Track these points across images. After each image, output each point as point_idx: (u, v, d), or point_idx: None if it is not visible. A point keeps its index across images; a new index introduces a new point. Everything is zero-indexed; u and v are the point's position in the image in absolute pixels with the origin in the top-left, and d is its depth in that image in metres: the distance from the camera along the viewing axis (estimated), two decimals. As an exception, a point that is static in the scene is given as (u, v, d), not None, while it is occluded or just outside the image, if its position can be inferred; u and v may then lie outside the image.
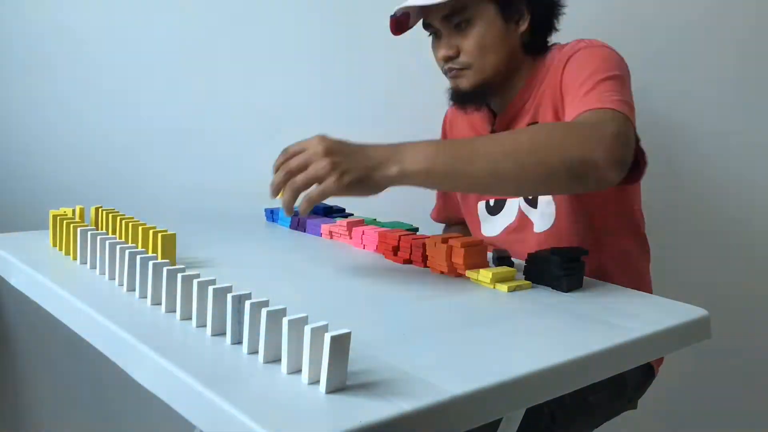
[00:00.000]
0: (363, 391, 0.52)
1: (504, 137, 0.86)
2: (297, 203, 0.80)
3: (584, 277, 0.89)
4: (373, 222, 1.17)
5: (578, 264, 0.87)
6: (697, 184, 1.60)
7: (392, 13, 1.11)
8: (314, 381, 0.52)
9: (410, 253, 0.97)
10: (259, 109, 1.52)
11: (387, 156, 0.81)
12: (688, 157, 1.58)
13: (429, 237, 1.00)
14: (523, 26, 1.12)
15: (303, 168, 0.78)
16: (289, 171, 0.79)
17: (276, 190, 0.80)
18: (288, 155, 0.80)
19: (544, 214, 1.13)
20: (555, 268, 0.86)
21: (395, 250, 0.98)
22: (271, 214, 1.24)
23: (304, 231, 1.16)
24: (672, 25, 1.56)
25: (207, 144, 1.51)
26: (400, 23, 1.13)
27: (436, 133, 1.40)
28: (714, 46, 1.57)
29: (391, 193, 1.51)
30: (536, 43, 1.14)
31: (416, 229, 1.12)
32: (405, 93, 1.57)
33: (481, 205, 1.25)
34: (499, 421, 0.86)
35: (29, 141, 1.40)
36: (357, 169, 0.78)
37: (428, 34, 1.14)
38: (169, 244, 0.82)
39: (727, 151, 1.51)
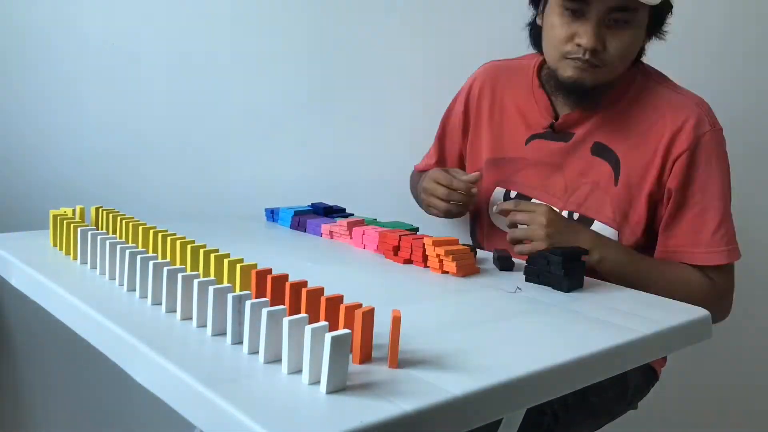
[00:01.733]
0: (363, 391, 0.52)
1: (670, 276, 1.05)
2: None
3: (585, 277, 0.89)
4: (373, 222, 1.17)
5: (579, 264, 0.87)
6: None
7: None
8: (315, 381, 0.52)
9: (411, 253, 0.97)
10: (259, 110, 1.52)
11: (592, 245, 1.00)
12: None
13: (429, 237, 1.00)
14: (648, 40, 1.09)
15: (525, 223, 1.00)
16: (515, 218, 1.01)
17: (503, 212, 1.04)
18: (518, 208, 1.01)
19: None
20: (556, 268, 0.86)
21: (396, 250, 0.98)
22: (272, 214, 1.24)
23: (305, 231, 1.16)
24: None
25: (208, 144, 1.51)
26: None
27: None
28: (715, 45, 1.57)
29: (391, 193, 1.51)
30: (640, 56, 1.11)
31: (416, 229, 1.12)
32: (404, 93, 1.57)
33: (499, 192, 1.19)
34: (499, 421, 0.86)
35: (30, 141, 1.40)
36: (564, 245, 0.95)
37: (565, 7, 1.02)
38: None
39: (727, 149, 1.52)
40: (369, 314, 0.57)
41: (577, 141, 1.12)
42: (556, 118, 1.14)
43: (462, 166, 1.31)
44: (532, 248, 0.97)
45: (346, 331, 0.51)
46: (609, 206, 1.08)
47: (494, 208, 1.06)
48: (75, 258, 0.87)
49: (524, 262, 0.91)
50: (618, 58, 1.03)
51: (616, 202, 1.08)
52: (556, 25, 1.03)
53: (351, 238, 1.07)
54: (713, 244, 1.05)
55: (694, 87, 1.13)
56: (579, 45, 1.01)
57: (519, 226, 1.01)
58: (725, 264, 1.06)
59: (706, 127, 1.05)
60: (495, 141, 1.21)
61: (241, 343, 0.60)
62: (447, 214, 1.14)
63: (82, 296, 0.72)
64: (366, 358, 0.58)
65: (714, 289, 1.06)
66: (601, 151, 1.10)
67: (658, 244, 1.09)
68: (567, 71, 1.04)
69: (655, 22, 1.06)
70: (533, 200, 1.15)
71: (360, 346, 0.57)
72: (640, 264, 1.04)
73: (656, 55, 1.15)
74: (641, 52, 1.11)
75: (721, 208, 1.05)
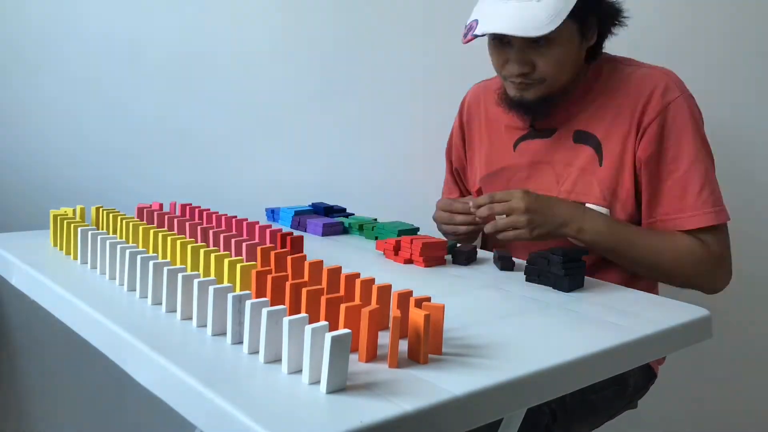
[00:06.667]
0: (363, 391, 0.52)
1: (656, 242, 1.05)
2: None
3: (585, 277, 0.89)
4: (373, 222, 1.17)
5: (579, 264, 0.87)
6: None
7: (477, 33, 1.02)
8: (315, 381, 0.52)
9: (411, 253, 0.97)
10: (260, 109, 1.52)
11: (570, 218, 1.02)
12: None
13: (427, 237, 1.00)
14: (593, 40, 1.10)
15: (504, 213, 1.00)
16: (493, 211, 1.01)
17: (482, 219, 1.03)
18: (494, 200, 1.01)
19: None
20: (556, 268, 0.86)
21: (396, 249, 0.98)
22: (272, 214, 1.24)
23: (305, 231, 1.16)
24: (677, 23, 1.56)
25: (208, 144, 1.50)
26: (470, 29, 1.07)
27: (437, 134, 1.39)
28: (717, 44, 1.57)
29: (391, 193, 1.51)
30: (597, 52, 1.13)
31: (417, 229, 1.12)
32: (405, 94, 1.57)
33: None
34: (499, 421, 0.86)
35: (30, 141, 1.40)
36: (545, 226, 1.00)
37: (492, 38, 1.08)
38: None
39: (727, 150, 1.51)
40: (375, 312, 0.57)
41: (559, 134, 1.15)
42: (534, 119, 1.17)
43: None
44: (516, 235, 0.99)
45: (346, 331, 0.51)
46: (597, 187, 1.10)
47: (471, 207, 1.04)
48: (75, 258, 0.87)
49: (525, 262, 0.91)
50: (551, 72, 1.06)
51: (603, 182, 1.10)
52: (491, 53, 1.10)
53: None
54: (698, 207, 1.04)
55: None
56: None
57: (497, 217, 1.02)
58: (715, 226, 1.04)
59: (674, 94, 1.06)
60: (488, 156, 1.25)
61: (241, 343, 0.60)
62: (460, 238, 1.15)
63: (82, 296, 0.72)
64: (372, 356, 0.58)
65: (707, 253, 1.04)
66: (582, 137, 1.12)
67: (643, 217, 1.10)
68: (510, 90, 1.11)
69: (582, 27, 1.06)
70: None
71: (366, 345, 0.58)
72: (621, 233, 1.05)
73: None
74: (597, 47, 1.12)
75: (701, 170, 1.05)
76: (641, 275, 1.11)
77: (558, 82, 1.08)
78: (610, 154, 1.09)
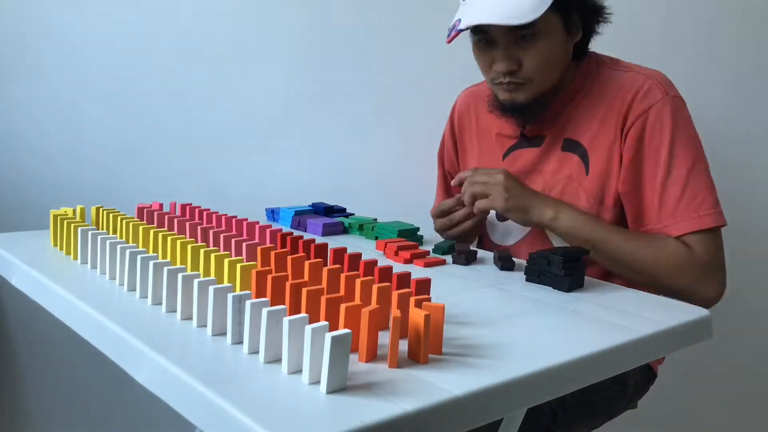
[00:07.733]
0: (363, 391, 0.52)
1: (636, 240, 1.01)
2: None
3: (585, 277, 0.89)
4: (373, 222, 1.17)
5: (579, 264, 0.87)
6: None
7: (460, 27, 1.00)
8: (315, 381, 0.52)
9: (411, 253, 0.97)
10: (260, 110, 1.52)
11: (548, 203, 1.02)
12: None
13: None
14: (578, 36, 1.08)
15: (484, 182, 1.02)
16: (472, 181, 1.03)
17: (457, 182, 1.07)
18: (475, 173, 1.04)
19: None
20: (556, 268, 0.86)
21: (397, 249, 0.98)
22: (272, 214, 1.24)
23: (305, 231, 1.16)
24: (672, 22, 1.56)
25: (208, 144, 1.51)
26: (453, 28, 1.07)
27: (437, 134, 1.40)
28: (714, 45, 1.57)
29: (390, 192, 1.51)
30: (583, 50, 1.11)
31: (417, 229, 1.12)
32: (405, 94, 1.57)
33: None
34: (499, 421, 0.86)
35: (30, 141, 1.41)
36: (520, 199, 1.01)
37: (477, 39, 1.06)
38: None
39: (727, 150, 1.51)
40: (375, 312, 0.57)
41: (548, 142, 1.14)
42: (525, 126, 1.16)
43: None
44: (490, 203, 1.01)
45: (346, 331, 0.51)
46: (583, 196, 1.09)
47: (453, 181, 1.09)
48: (75, 258, 0.87)
49: (525, 262, 0.91)
50: (538, 70, 1.03)
51: (589, 191, 1.08)
52: (477, 56, 1.09)
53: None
54: (679, 214, 0.99)
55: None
56: (497, 70, 1.05)
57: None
58: (704, 231, 0.99)
59: (656, 96, 1.03)
60: (479, 164, 1.25)
61: (241, 343, 0.60)
62: (460, 238, 1.15)
63: (82, 296, 0.72)
64: (372, 356, 0.58)
65: (692, 258, 0.98)
66: (570, 145, 1.11)
67: (629, 226, 1.07)
68: (500, 94, 1.09)
69: (567, 20, 1.04)
70: None
71: (366, 345, 0.57)
72: (597, 224, 1.02)
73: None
74: (583, 45, 1.11)
75: (683, 174, 1.00)
76: (624, 276, 1.04)
77: (547, 82, 1.06)
78: (596, 164, 1.08)
